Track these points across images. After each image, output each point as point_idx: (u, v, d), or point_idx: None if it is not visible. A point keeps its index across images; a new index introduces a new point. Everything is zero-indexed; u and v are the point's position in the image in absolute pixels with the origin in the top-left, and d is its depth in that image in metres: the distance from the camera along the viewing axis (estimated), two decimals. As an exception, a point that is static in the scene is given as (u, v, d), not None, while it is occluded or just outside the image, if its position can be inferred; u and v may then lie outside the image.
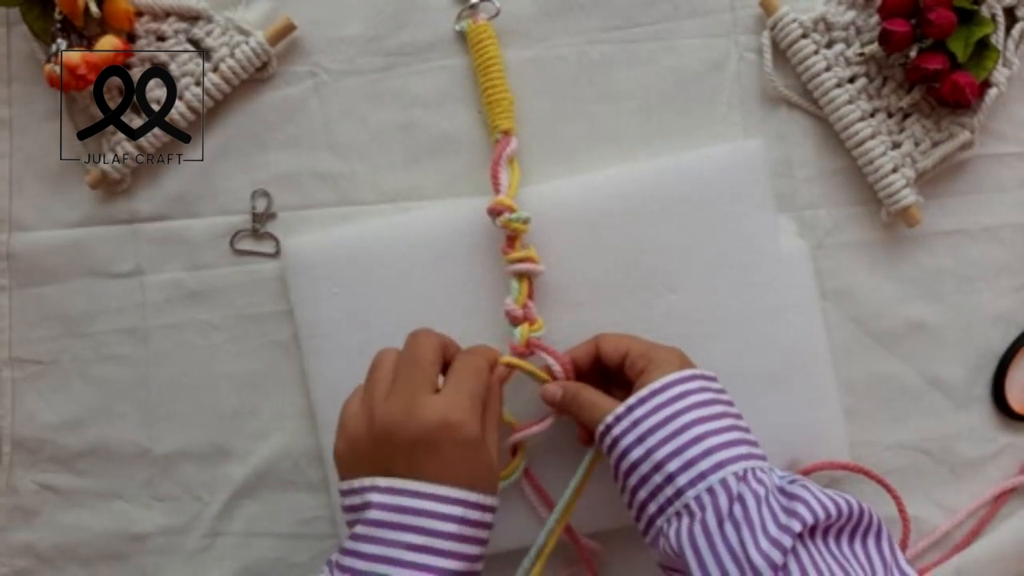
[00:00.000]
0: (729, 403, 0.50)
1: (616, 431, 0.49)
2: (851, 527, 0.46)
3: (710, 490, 0.45)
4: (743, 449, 0.47)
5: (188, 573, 0.63)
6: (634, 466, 0.48)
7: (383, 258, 0.59)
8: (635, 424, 0.48)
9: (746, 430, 0.49)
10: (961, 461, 0.62)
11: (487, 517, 0.47)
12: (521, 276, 0.56)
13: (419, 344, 0.50)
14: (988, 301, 0.61)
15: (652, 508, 0.48)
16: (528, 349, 0.56)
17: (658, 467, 0.47)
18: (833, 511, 0.45)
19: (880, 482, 0.58)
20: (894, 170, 0.59)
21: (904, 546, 0.58)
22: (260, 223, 0.62)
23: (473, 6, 0.60)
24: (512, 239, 0.56)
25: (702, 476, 0.46)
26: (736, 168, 0.59)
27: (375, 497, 0.46)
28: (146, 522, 0.63)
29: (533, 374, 0.55)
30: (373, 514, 0.45)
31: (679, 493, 0.46)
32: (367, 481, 0.46)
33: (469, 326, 0.58)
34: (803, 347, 0.60)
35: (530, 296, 0.57)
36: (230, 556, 0.62)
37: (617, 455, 0.49)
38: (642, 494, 0.48)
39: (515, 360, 0.55)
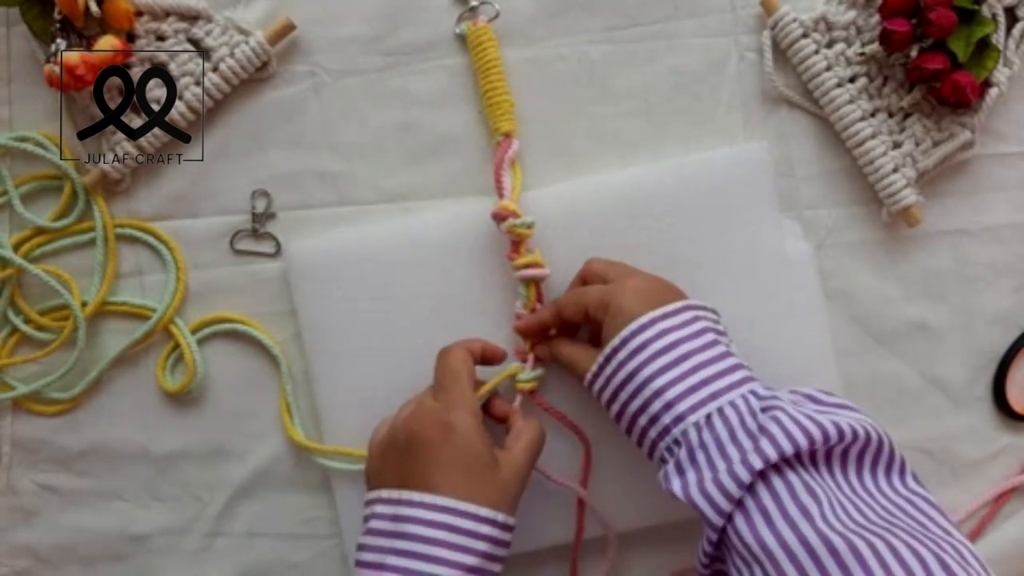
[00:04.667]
0: (709, 329, 0.51)
1: (622, 354, 0.50)
2: (851, 451, 0.46)
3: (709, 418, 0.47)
4: (738, 375, 0.48)
5: (188, 573, 0.62)
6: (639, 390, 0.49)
7: (388, 261, 0.59)
8: (641, 348, 0.49)
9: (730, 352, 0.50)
10: (962, 461, 0.61)
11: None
12: (528, 282, 0.57)
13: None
14: (989, 301, 0.61)
15: (653, 433, 0.49)
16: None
17: (658, 393, 0.48)
18: (803, 442, 0.44)
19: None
20: (895, 170, 0.59)
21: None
22: (260, 223, 0.62)
23: (473, 8, 0.60)
24: (517, 244, 0.56)
25: (702, 404, 0.47)
26: (740, 171, 0.59)
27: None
28: (146, 522, 0.63)
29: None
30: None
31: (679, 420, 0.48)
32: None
33: (474, 328, 0.58)
34: (808, 350, 0.60)
35: (539, 299, 0.57)
36: (230, 556, 0.62)
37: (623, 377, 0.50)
38: (643, 420, 0.49)
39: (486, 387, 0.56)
